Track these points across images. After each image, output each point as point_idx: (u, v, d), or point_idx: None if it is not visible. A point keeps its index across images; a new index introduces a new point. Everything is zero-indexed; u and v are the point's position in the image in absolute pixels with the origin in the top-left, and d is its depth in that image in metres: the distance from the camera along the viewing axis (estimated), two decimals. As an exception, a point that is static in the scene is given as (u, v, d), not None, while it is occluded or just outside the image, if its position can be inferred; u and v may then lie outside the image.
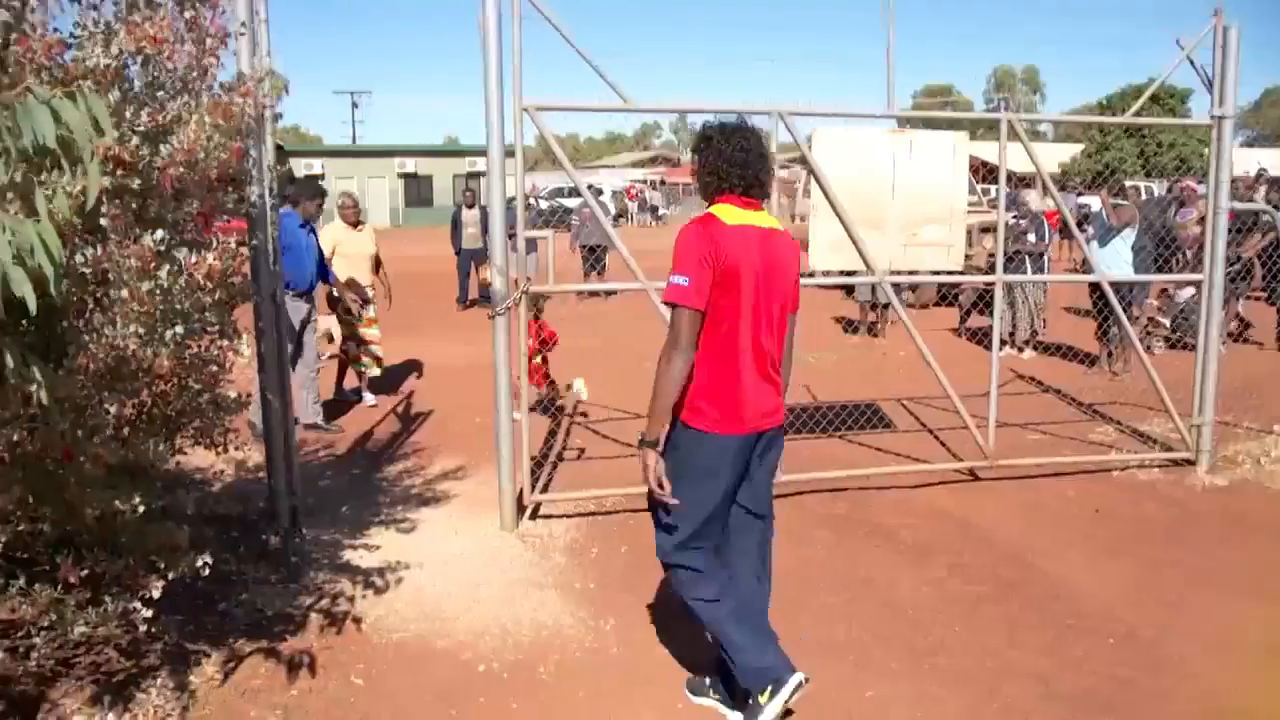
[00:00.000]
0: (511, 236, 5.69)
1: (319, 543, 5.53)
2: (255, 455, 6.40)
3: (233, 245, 3.68)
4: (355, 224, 9.41)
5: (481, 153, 5.67)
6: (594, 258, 17.96)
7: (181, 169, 3.57)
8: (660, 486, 3.50)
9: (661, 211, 48.64)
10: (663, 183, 55.88)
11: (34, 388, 2.63)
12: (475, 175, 36.10)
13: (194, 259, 3.50)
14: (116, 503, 3.32)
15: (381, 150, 50.19)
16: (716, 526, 3.71)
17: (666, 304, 3.49)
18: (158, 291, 3.32)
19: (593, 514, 6.19)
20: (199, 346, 3.85)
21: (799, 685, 3.58)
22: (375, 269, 9.42)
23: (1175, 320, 12.19)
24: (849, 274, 7.68)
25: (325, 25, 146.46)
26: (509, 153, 5.51)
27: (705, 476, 3.58)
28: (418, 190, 49.35)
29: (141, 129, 3.51)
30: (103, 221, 3.44)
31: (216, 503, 5.83)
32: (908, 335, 6.54)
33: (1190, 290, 11.66)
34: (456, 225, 16.66)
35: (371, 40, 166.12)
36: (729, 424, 3.53)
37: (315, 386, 8.23)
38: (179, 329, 3.58)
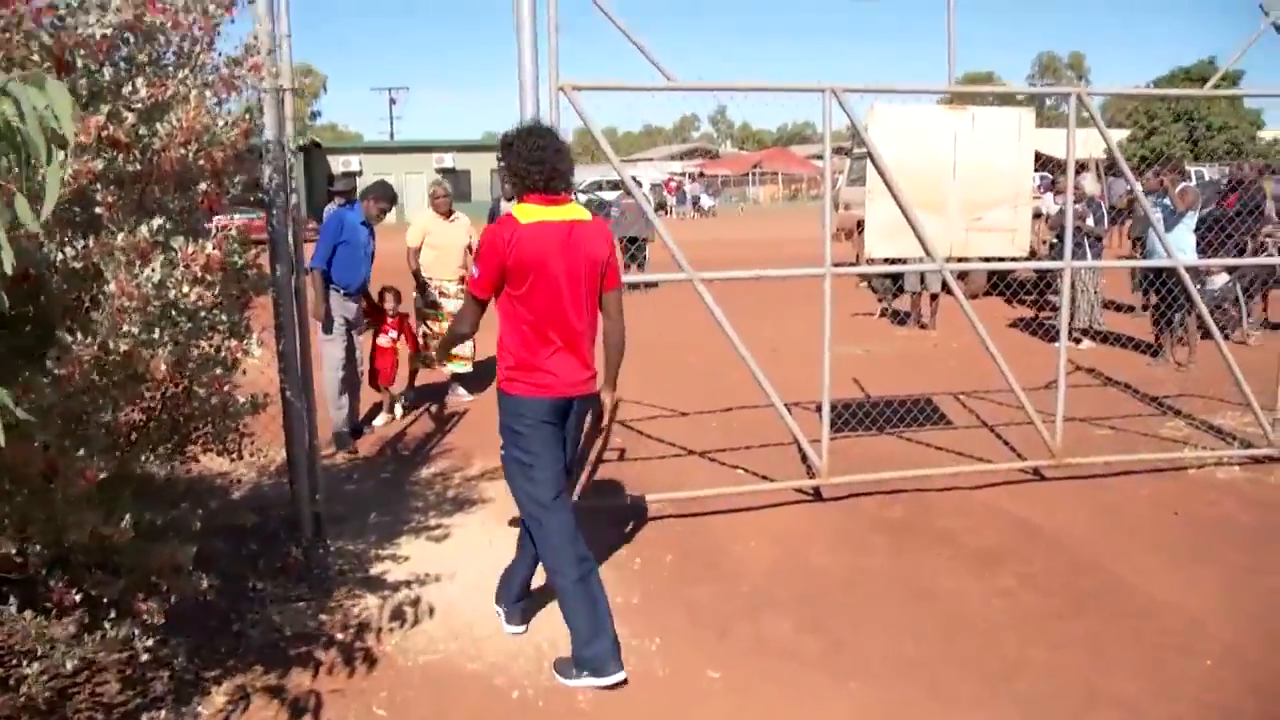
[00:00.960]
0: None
1: (344, 553, 5.22)
2: (279, 458, 6.10)
3: (233, 233, 3.35)
4: (448, 214, 8.76)
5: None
6: (634, 248, 17.57)
7: (183, 150, 3.26)
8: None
9: (708, 204, 48.53)
10: (701, 175, 55.48)
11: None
12: (511, 169, 35.73)
13: (190, 249, 3.16)
14: (102, 523, 2.98)
15: (419, 146, 50.08)
16: (552, 481, 4.08)
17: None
18: (149, 285, 2.98)
19: (634, 520, 5.81)
20: (207, 346, 3.54)
21: (616, 684, 3.94)
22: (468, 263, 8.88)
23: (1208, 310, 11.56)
24: (893, 262, 7.17)
25: (362, 22, 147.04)
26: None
27: (526, 432, 4.04)
28: (456, 185, 48.99)
29: (139, 105, 3.19)
30: (97, 210, 3.13)
31: (233, 512, 5.51)
32: (957, 327, 6.13)
33: (1224, 278, 11.07)
34: (494, 219, 16.20)
35: (408, 36, 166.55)
36: (538, 389, 4.00)
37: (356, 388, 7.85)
38: (184, 326, 3.26)
